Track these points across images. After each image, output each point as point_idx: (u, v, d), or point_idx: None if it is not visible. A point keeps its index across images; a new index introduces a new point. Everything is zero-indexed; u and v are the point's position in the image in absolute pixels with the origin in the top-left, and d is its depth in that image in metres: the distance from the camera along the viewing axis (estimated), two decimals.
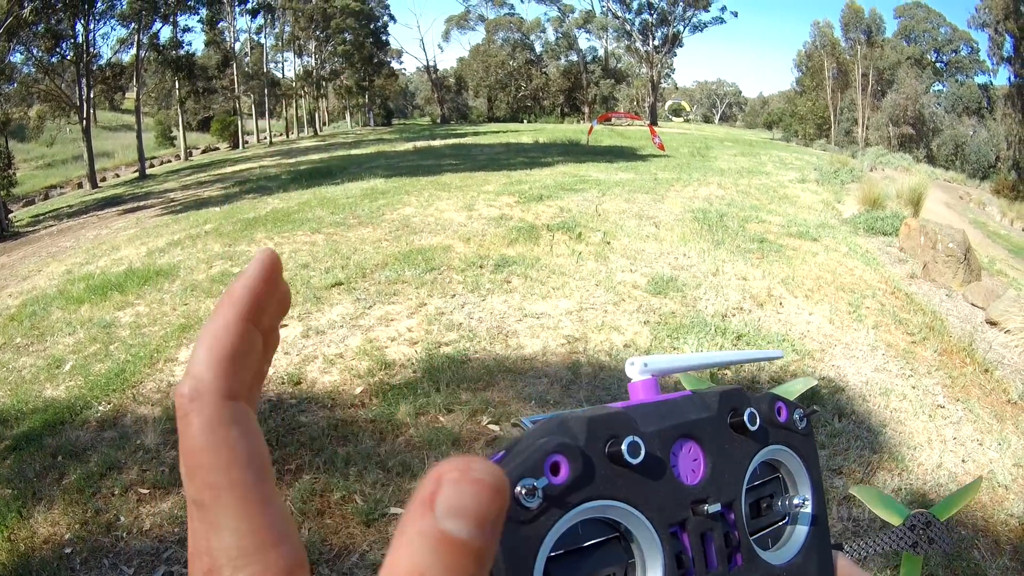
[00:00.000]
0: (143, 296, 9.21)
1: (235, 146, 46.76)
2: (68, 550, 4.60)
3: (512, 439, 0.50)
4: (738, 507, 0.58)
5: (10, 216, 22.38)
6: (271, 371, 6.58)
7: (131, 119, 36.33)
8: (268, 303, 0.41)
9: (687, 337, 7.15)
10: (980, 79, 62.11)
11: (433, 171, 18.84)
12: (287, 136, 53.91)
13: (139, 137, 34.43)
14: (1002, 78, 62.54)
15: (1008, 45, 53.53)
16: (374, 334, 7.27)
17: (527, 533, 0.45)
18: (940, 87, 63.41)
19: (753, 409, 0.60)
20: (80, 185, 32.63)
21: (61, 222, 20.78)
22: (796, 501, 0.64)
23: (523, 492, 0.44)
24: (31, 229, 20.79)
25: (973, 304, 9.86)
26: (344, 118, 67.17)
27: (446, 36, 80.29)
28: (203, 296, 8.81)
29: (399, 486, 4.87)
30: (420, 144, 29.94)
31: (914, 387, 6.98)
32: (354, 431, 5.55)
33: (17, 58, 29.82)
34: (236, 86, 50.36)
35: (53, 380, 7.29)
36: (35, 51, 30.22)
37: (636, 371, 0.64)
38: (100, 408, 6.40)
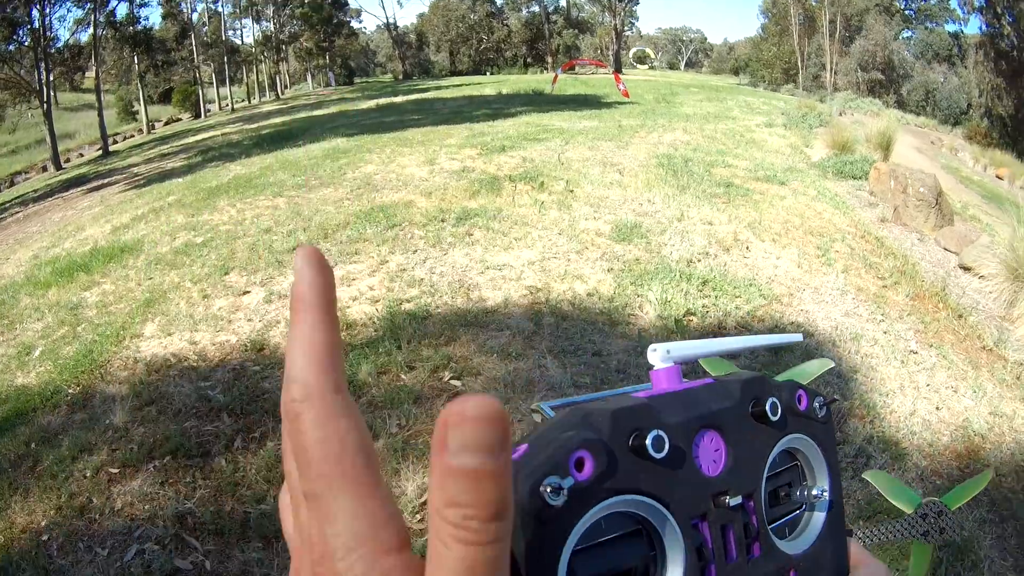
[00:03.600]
0: (108, 274, 9.12)
1: (197, 116, 46.10)
2: (45, 537, 4.59)
3: (533, 430, 0.51)
4: (758, 498, 0.59)
5: None
6: (232, 338, 6.58)
7: (92, 98, 35.86)
8: (333, 293, 0.44)
9: (651, 284, 7.12)
10: (950, 27, 62.21)
11: (395, 127, 18.65)
12: (249, 102, 53.28)
13: (100, 115, 33.91)
14: (973, 27, 62.91)
15: None
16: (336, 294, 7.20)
17: (552, 530, 0.45)
18: (909, 34, 63.44)
19: (775, 399, 0.61)
20: (44, 168, 32.14)
21: (27, 207, 20.54)
22: (815, 492, 0.64)
23: (548, 490, 0.45)
24: None
25: (946, 249, 9.90)
26: (306, 80, 66.60)
27: None
28: (167, 269, 8.71)
29: None
30: (382, 101, 29.68)
31: (886, 332, 7.01)
32: None
33: None
34: (195, 56, 49.82)
35: (24, 368, 7.22)
36: None
37: (659, 358, 0.63)
38: (70, 391, 6.33)
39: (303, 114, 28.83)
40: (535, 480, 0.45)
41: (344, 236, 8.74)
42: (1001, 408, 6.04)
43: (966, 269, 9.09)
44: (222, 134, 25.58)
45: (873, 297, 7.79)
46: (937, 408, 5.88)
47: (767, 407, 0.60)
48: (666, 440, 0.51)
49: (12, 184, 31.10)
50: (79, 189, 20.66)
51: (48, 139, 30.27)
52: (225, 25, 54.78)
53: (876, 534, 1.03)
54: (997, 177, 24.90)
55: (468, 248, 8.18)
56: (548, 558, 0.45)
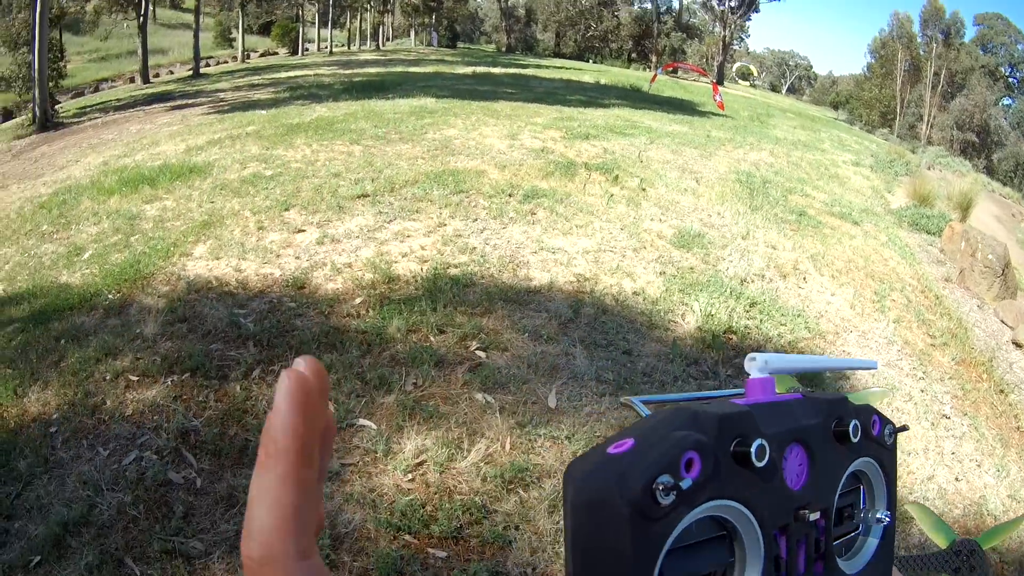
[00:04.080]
0: (173, 191, 9.24)
1: (294, 52, 46.31)
2: (53, 429, 4.70)
3: (636, 424, 0.51)
4: (829, 515, 0.60)
5: (57, 107, 22.31)
6: (277, 272, 6.62)
7: (190, 18, 36.05)
8: (313, 441, 0.39)
9: (699, 294, 7.01)
10: None
11: (487, 97, 18.57)
12: (348, 48, 53.55)
13: (196, 36, 34.08)
14: None
15: None
16: (387, 248, 7.23)
17: (657, 528, 0.46)
18: (1009, 102, 62.35)
19: (857, 421, 0.62)
20: (132, 80, 32.41)
21: (107, 115, 20.78)
22: (878, 515, 0.66)
23: (660, 488, 0.45)
24: (76, 120, 20.82)
25: (1003, 321, 9.65)
26: (409, 36, 66.73)
27: None
28: (231, 196, 8.81)
29: (373, 399, 4.86)
30: (480, 70, 29.62)
31: (923, 391, 6.85)
32: (343, 340, 5.55)
33: None
34: None
35: (71, 267, 7.39)
36: None
37: (756, 368, 0.64)
38: (109, 297, 6.48)
39: (399, 68, 28.93)
40: (648, 477, 0.45)
41: (409, 193, 8.74)
42: (1021, 493, 5.88)
43: (1018, 346, 8.85)
44: (315, 75, 25.74)
45: (919, 353, 7.62)
46: (956, 479, 5.72)
47: (850, 428, 0.61)
48: (767, 450, 0.52)
49: (96, 90, 31.52)
50: (162, 105, 20.91)
51: (140, 51, 30.54)
52: None
53: (913, 563, 1.07)
54: None
55: (528, 226, 8.12)
56: (649, 556, 0.46)
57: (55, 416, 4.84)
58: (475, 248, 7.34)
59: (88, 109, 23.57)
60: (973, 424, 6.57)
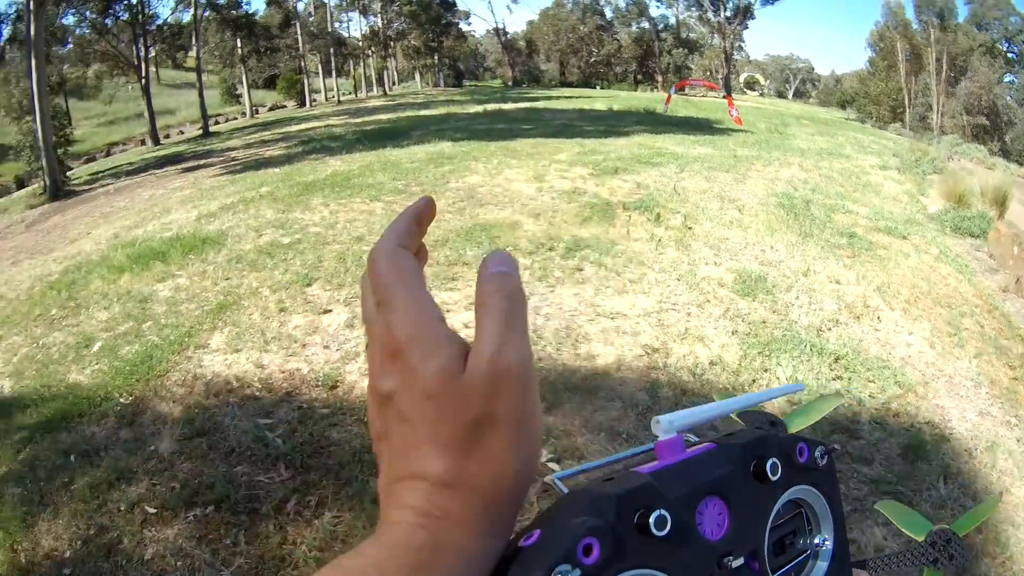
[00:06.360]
0: (186, 267, 8.66)
1: (302, 104, 46.92)
2: (67, 571, 4.16)
3: (545, 513, 0.55)
4: (761, 553, 0.61)
5: (68, 174, 22.57)
6: (304, 368, 5.94)
7: (194, 77, 36.55)
8: (425, 219, 0.65)
9: (780, 356, 6.33)
10: None
11: (504, 136, 18.06)
12: (356, 95, 53.84)
13: (201, 95, 34.67)
14: None
15: None
16: None
17: None
18: (1011, 78, 61.83)
19: (775, 459, 0.63)
20: (143, 142, 33.14)
21: (119, 180, 20.75)
22: (816, 541, 0.68)
23: None
24: (87, 188, 20.81)
25: None
26: (413, 78, 67.10)
27: None
28: (247, 270, 8.18)
29: None
30: (491, 107, 29.26)
31: (1019, 440, 6.15)
32: None
33: (70, 20, 30.08)
34: (300, 45, 50.77)
35: (80, 362, 6.82)
36: (87, 14, 30.44)
37: (662, 430, 0.63)
38: (121, 400, 5.89)
39: (409, 112, 28.71)
40: (547, 569, 0.48)
41: (441, 256, 8.06)
42: None
43: None
44: (325, 126, 25.56)
45: (1005, 392, 6.95)
46: None
47: (767, 468, 0.62)
48: (668, 519, 0.53)
49: (108, 154, 32.18)
50: (174, 168, 20.81)
51: (146, 114, 31.16)
52: (331, 16, 56.01)
53: (888, 562, 0.96)
54: None
55: (578, 287, 7.41)
56: None
57: (68, 555, 4.29)
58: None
59: (100, 175, 23.63)
60: None
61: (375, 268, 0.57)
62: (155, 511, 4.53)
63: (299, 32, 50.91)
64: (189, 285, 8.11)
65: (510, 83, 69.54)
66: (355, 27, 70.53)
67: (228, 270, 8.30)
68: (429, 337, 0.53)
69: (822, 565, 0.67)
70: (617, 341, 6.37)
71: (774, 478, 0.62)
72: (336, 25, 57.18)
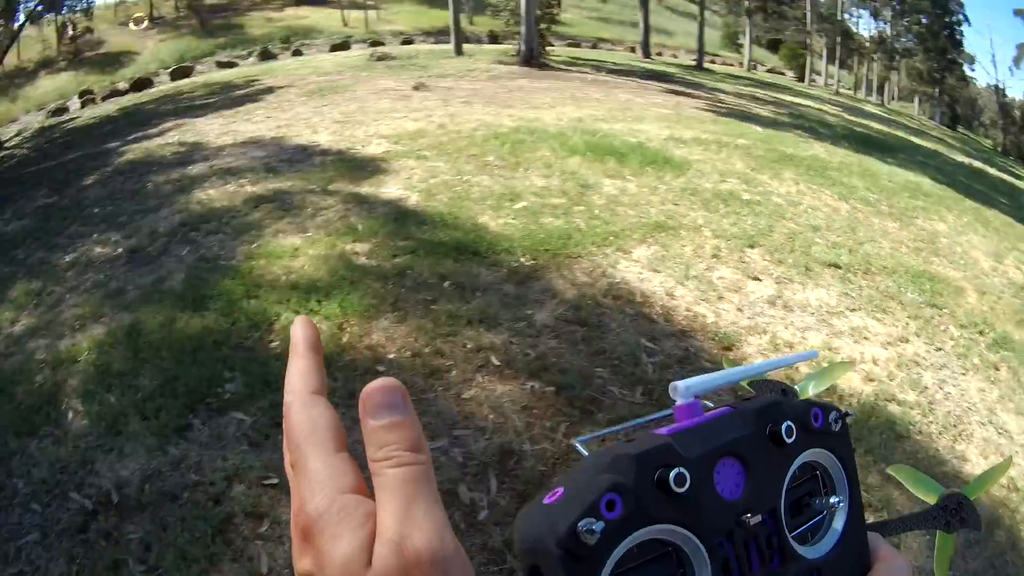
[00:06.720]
0: (640, 175, 8.84)
1: (800, 79, 46.46)
2: (381, 367, 4.67)
3: (568, 472, 0.55)
4: (778, 513, 0.62)
5: (546, 49, 23.64)
6: (710, 317, 5.92)
7: (696, 10, 37.01)
8: (319, 345, 0.59)
9: None
10: None
11: (980, 199, 16.74)
12: (855, 93, 52.66)
13: (701, 28, 35.36)
14: None
15: None
16: (838, 343, 6.24)
17: (589, 564, 0.50)
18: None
19: (790, 422, 0.63)
20: (633, 50, 34.12)
21: (599, 74, 21.32)
22: (832, 500, 0.67)
23: (583, 531, 0.49)
24: (563, 68, 21.82)
25: None
26: (912, 101, 64.76)
27: (1017, 63, 74.54)
28: (698, 206, 8.27)
29: None
30: (976, 164, 27.57)
31: None
32: None
33: None
34: (808, 23, 50.25)
35: (498, 209, 7.33)
36: None
37: (679, 395, 0.64)
38: (521, 260, 6.27)
39: (900, 132, 27.56)
40: (571, 522, 0.49)
41: (883, 283, 7.69)
42: None
43: None
44: (819, 109, 25.17)
45: None
46: None
47: (783, 431, 0.62)
48: (687, 476, 0.54)
49: (595, 47, 33.68)
50: (658, 85, 21.14)
51: (642, 25, 32.21)
52: (842, 6, 55.08)
53: (901, 526, 0.89)
54: None
55: (986, 384, 6.52)
56: None
57: (391, 355, 4.81)
58: (927, 388, 5.97)
59: (579, 61, 24.29)
60: None
61: (287, 422, 0.54)
62: (498, 364, 4.78)
63: (808, 8, 50.58)
64: (636, 193, 8.25)
65: (1000, 149, 65.67)
66: (864, 26, 69.07)
67: (680, 197, 8.37)
68: (335, 515, 0.49)
69: (837, 524, 0.67)
70: (993, 459, 5.49)
71: (789, 441, 0.62)
72: (846, 16, 56.23)
